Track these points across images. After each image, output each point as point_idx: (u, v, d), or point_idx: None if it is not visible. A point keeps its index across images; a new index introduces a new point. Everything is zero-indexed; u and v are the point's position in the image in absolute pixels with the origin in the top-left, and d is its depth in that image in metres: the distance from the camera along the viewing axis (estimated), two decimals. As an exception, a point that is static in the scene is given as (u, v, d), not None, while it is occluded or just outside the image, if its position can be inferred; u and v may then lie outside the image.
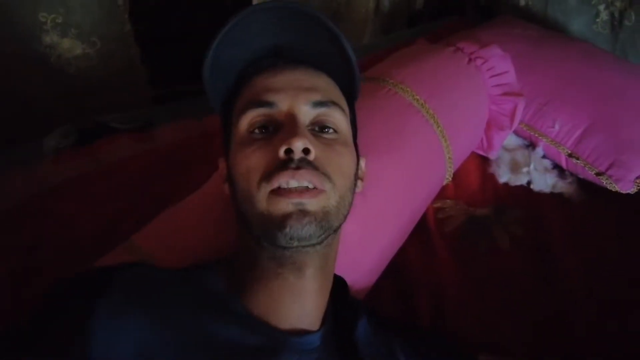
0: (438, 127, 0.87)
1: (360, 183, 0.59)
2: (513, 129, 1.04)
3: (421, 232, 0.91)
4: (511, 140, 1.11)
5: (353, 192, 0.54)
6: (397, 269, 0.83)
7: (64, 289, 0.46)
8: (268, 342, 0.49)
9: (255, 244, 0.51)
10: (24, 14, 1.03)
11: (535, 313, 0.80)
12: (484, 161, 1.08)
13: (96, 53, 1.16)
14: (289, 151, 0.47)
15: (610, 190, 0.97)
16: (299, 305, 0.51)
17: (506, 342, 0.76)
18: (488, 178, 1.05)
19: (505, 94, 1.01)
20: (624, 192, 0.96)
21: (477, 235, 0.92)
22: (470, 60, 1.01)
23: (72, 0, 1.07)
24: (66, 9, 1.07)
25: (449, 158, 0.91)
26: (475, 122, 1.01)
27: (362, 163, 0.60)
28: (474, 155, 1.09)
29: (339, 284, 0.60)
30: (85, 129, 1.05)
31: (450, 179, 0.97)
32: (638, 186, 0.95)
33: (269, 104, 0.51)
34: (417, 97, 0.88)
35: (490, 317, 0.80)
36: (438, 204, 0.97)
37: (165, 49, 1.54)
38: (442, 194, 0.99)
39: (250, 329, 0.49)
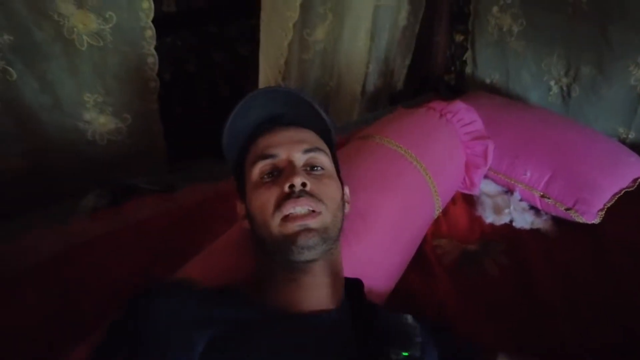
0: (421, 167, 1.05)
1: (347, 205, 0.74)
2: (488, 166, 1.23)
3: (424, 265, 1.05)
4: (492, 187, 1.28)
5: (343, 211, 0.71)
6: (404, 294, 0.96)
7: (147, 299, 0.60)
8: (291, 324, 0.63)
9: (271, 260, 0.66)
10: (70, 94, 1.18)
11: (520, 329, 0.93)
12: (471, 205, 1.25)
13: (127, 128, 1.31)
14: (291, 186, 0.63)
15: (579, 222, 1.13)
16: (314, 295, 0.66)
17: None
18: (476, 220, 1.21)
19: (475, 138, 1.21)
20: (590, 222, 1.12)
21: (471, 266, 1.06)
22: (441, 115, 1.22)
23: (111, 82, 1.22)
24: (106, 89, 1.22)
25: (435, 191, 1.07)
26: (453, 161, 1.19)
27: (347, 190, 0.76)
28: (462, 199, 1.26)
29: (355, 285, 0.73)
30: (117, 191, 1.17)
31: (440, 211, 1.12)
32: (601, 217, 1.11)
33: (272, 156, 0.67)
34: (400, 145, 1.07)
35: (485, 333, 0.91)
36: (436, 243, 1.12)
37: (182, 127, 1.71)
38: (438, 234, 1.14)
39: (276, 316, 0.63)
